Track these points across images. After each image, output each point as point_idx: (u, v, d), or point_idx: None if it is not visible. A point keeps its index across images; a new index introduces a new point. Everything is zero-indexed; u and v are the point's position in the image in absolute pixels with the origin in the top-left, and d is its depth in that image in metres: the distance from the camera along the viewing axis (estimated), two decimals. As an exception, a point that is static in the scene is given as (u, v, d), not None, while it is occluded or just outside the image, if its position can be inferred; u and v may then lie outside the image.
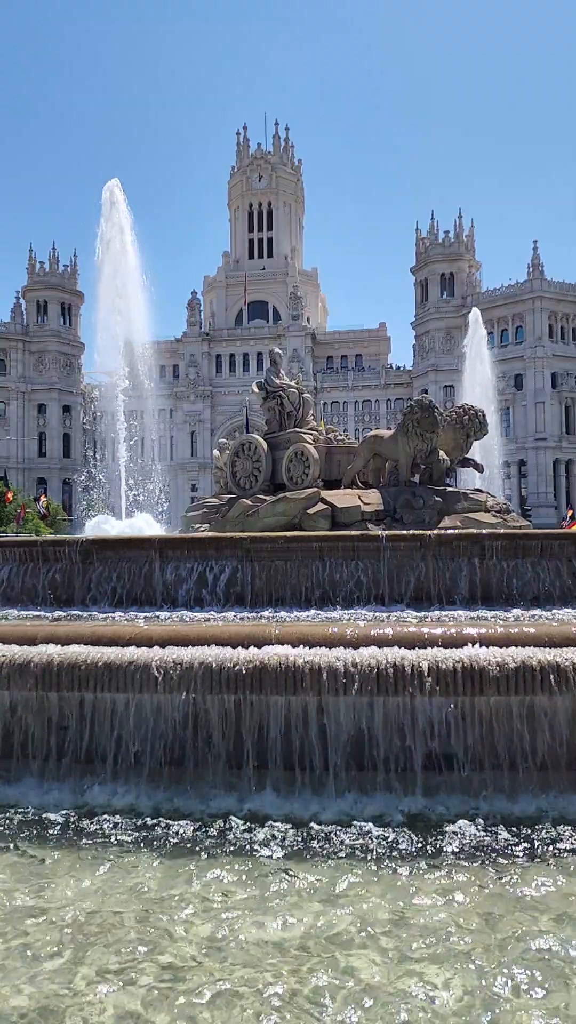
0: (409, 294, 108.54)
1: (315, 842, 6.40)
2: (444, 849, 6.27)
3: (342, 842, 6.39)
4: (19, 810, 7.18)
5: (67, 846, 6.46)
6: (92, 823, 6.86)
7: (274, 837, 6.47)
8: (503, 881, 5.74)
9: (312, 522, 16.15)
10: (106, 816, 6.99)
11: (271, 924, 5.12)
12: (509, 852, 6.23)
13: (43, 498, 77.37)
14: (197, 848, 6.33)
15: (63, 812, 7.09)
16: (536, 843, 6.38)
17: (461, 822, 6.70)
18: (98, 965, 4.70)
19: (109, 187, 37.67)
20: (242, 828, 6.64)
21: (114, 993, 4.41)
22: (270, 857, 6.12)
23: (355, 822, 6.74)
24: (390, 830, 6.59)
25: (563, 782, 7.21)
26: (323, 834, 6.52)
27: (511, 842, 6.39)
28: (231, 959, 4.74)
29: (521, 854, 6.19)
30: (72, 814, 7.06)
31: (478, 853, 6.20)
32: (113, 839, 6.55)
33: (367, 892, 5.57)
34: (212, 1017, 4.19)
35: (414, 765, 7.22)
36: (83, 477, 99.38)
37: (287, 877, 5.80)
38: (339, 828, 6.63)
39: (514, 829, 6.62)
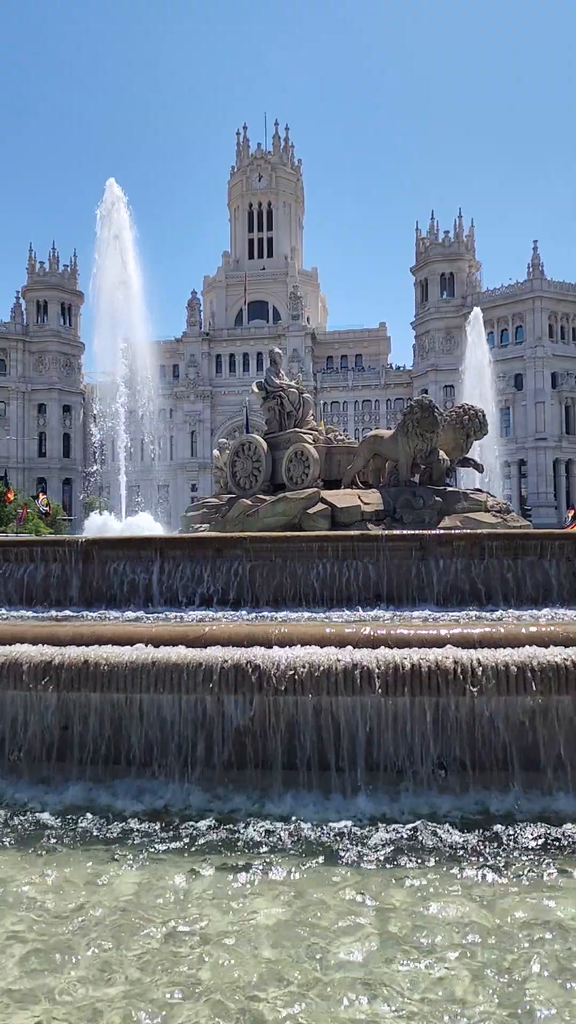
0: (409, 294, 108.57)
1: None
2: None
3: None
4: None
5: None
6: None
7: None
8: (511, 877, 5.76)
9: (312, 522, 16.16)
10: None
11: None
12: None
13: (41, 496, 76.92)
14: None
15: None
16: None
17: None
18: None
19: (108, 187, 37.71)
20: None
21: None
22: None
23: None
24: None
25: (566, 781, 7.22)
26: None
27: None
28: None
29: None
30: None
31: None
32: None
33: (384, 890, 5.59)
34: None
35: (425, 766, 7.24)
36: (83, 477, 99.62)
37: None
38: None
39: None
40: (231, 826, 6.72)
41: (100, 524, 32.94)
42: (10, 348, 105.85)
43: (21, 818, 7.03)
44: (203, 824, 6.77)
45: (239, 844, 6.39)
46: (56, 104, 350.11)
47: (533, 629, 7.77)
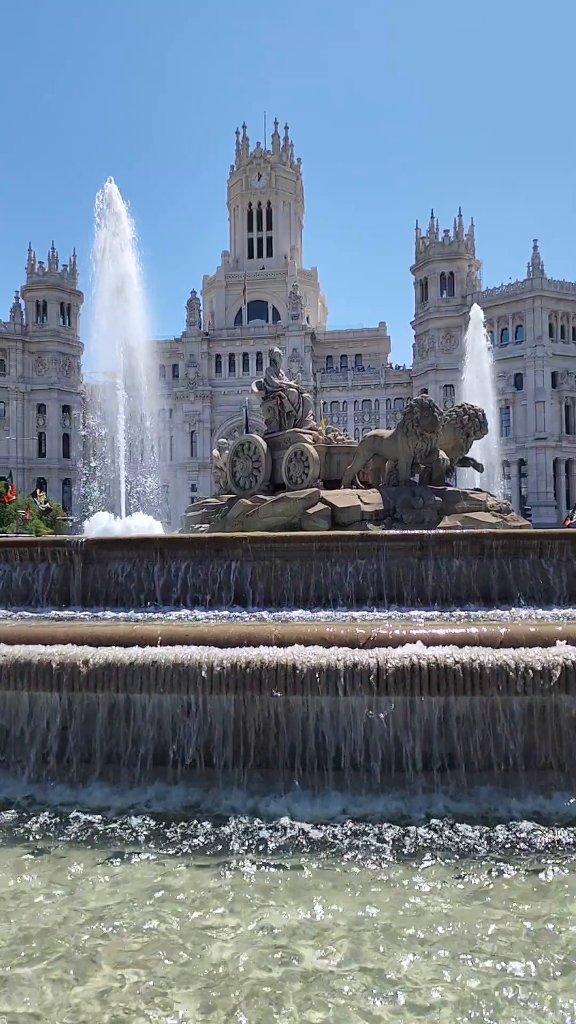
0: (409, 294, 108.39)
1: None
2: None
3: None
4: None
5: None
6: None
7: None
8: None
9: (312, 522, 16.11)
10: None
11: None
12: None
13: (39, 492, 76.11)
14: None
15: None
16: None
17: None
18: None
19: (106, 187, 37.55)
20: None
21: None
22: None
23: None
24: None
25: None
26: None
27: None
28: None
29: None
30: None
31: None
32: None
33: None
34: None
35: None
36: (83, 477, 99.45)
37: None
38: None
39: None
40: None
41: (110, 524, 32.52)
42: (9, 348, 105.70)
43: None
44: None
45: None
46: (56, 104, 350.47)
47: (534, 629, 7.75)
